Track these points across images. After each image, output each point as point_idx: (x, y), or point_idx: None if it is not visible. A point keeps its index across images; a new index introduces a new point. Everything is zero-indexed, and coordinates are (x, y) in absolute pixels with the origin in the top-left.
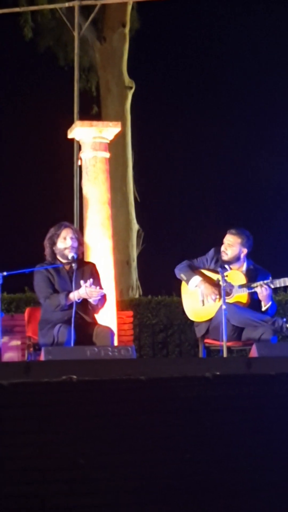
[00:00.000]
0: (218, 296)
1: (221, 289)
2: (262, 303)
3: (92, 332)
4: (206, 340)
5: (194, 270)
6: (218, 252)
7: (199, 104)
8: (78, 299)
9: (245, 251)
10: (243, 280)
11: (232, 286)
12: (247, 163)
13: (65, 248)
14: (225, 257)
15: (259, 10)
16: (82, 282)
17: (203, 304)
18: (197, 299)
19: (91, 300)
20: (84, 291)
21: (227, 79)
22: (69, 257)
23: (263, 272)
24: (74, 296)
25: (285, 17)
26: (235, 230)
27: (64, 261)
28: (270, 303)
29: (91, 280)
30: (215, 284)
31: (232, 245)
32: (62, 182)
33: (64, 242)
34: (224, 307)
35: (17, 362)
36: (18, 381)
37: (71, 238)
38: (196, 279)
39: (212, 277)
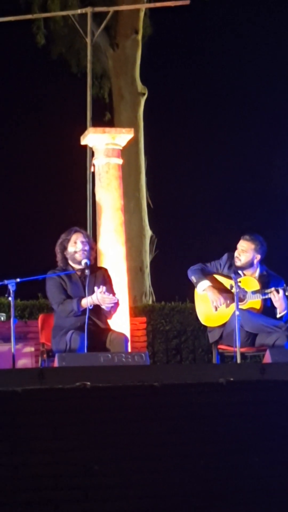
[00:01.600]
0: (223, 302)
1: (234, 295)
2: (278, 310)
3: (105, 338)
4: (219, 346)
5: (206, 274)
6: (231, 258)
7: (212, 110)
8: (91, 305)
9: (258, 257)
10: (256, 286)
11: (246, 292)
12: (260, 169)
13: (76, 252)
14: (238, 262)
15: (275, 16)
16: (95, 288)
17: (216, 310)
18: (210, 305)
19: (103, 306)
20: (96, 297)
21: (240, 85)
22: (82, 263)
23: (277, 278)
24: (87, 302)
25: None
26: (249, 236)
27: (76, 266)
28: (286, 311)
29: (104, 286)
30: (223, 290)
31: (245, 250)
32: (75, 188)
33: (75, 246)
34: (237, 313)
35: (31, 368)
36: (32, 387)
37: (82, 242)
38: (205, 283)
39: (223, 283)
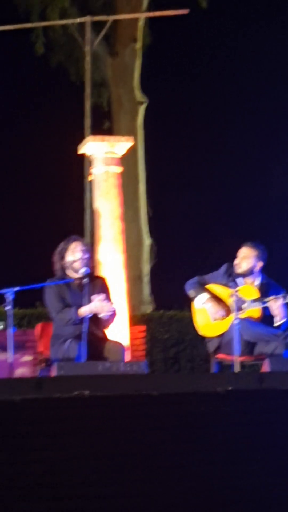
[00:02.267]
0: (222, 317)
1: (233, 304)
2: (277, 318)
3: (102, 347)
4: (218, 355)
5: (203, 287)
6: (230, 267)
7: (211, 118)
8: (89, 314)
9: (260, 264)
10: (256, 294)
11: (244, 301)
12: (261, 178)
13: (74, 261)
14: (239, 270)
15: (274, 23)
16: (93, 297)
17: (214, 320)
18: (208, 316)
19: (101, 315)
20: (95, 306)
21: (240, 93)
22: (80, 272)
23: (276, 287)
24: (85, 310)
25: None
26: (251, 243)
27: (74, 275)
28: (285, 319)
29: (103, 295)
30: (222, 302)
31: (247, 257)
32: (74, 197)
33: (73, 254)
34: (236, 322)
35: (29, 378)
36: (30, 397)
37: (81, 251)
38: (203, 296)
39: (222, 293)
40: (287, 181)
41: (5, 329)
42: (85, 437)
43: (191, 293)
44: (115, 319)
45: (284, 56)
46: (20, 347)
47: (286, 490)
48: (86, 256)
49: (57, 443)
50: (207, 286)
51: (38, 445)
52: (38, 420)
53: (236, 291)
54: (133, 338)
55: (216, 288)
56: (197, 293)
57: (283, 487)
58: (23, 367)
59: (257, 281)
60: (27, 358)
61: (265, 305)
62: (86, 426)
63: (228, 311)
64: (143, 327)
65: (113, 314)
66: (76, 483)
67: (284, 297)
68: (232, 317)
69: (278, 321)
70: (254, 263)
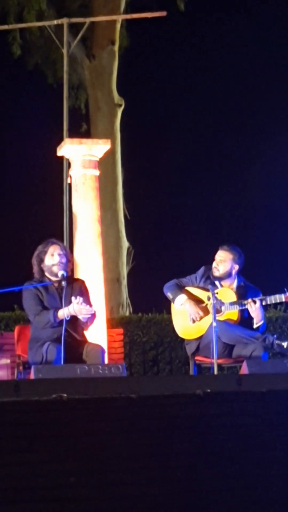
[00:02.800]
0: (202, 316)
1: (211, 307)
2: (254, 320)
3: (82, 350)
4: (196, 358)
5: (182, 289)
6: (208, 270)
7: (189, 121)
8: (68, 316)
9: (236, 267)
10: (233, 297)
11: (223, 303)
12: (238, 180)
13: (53, 265)
14: (216, 273)
15: (250, 26)
16: (73, 298)
17: (193, 322)
18: (187, 317)
19: (80, 317)
20: (73, 308)
21: (217, 96)
22: (59, 275)
23: (254, 289)
24: (64, 313)
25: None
26: (227, 246)
27: (52, 278)
28: (262, 321)
29: (81, 298)
30: (201, 303)
31: (224, 260)
32: (52, 199)
33: (52, 258)
34: (214, 324)
35: (7, 380)
36: (7, 399)
37: (59, 254)
38: (182, 298)
39: (200, 295)
40: (264, 184)
41: None
42: (63, 440)
43: (169, 295)
44: (94, 321)
45: (263, 57)
46: None
47: (265, 491)
48: (64, 259)
49: (35, 446)
50: (185, 288)
51: (16, 448)
52: (16, 423)
53: (214, 293)
54: (111, 341)
55: (194, 290)
56: (176, 295)
57: (262, 488)
58: (1, 370)
59: (235, 283)
60: (5, 361)
61: (243, 307)
62: (64, 429)
63: (206, 313)
64: (121, 330)
65: (92, 316)
66: (54, 485)
67: (262, 300)
68: (211, 319)
69: (256, 323)
70: (230, 266)
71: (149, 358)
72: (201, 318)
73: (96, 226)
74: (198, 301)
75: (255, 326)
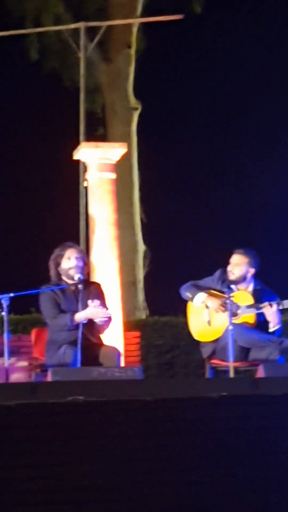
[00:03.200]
0: (225, 309)
1: (228, 310)
2: (271, 324)
3: (98, 353)
4: (212, 361)
5: (200, 289)
6: (224, 273)
7: (205, 124)
8: (85, 320)
9: (252, 271)
10: (250, 300)
11: (239, 307)
12: (256, 183)
13: (70, 268)
14: (232, 276)
15: (269, 29)
16: (89, 302)
17: (209, 325)
18: (203, 320)
19: (96, 321)
20: (90, 311)
21: (233, 99)
22: (75, 278)
23: (270, 293)
24: (80, 316)
25: None
26: (242, 250)
27: (69, 281)
28: (279, 325)
29: (98, 301)
30: (221, 299)
31: (239, 264)
32: (68, 203)
33: (69, 262)
34: (230, 327)
35: (24, 383)
36: (24, 402)
37: (76, 258)
38: (202, 295)
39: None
40: (282, 188)
41: (0, 334)
42: (80, 443)
43: (188, 295)
44: (110, 324)
45: (280, 61)
46: (15, 352)
47: (281, 495)
48: (81, 263)
49: (51, 448)
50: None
51: (33, 450)
52: (33, 425)
53: (230, 297)
54: (127, 344)
55: (211, 292)
56: (195, 293)
57: (277, 492)
58: (18, 372)
59: (251, 287)
60: (22, 363)
61: (259, 311)
62: (80, 431)
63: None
64: (137, 333)
65: (109, 320)
66: (70, 488)
67: (278, 303)
68: (227, 322)
69: (272, 327)
70: (246, 270)
71: (165, 361)
72: (225, 310)
73: (112, 229)
74: (218, 297)
75: (271, 329)
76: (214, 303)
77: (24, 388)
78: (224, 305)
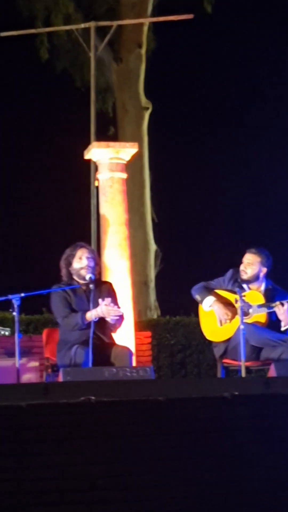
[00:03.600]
0: (230, 317)
1: (239, 309)
2: (282, 323)
3: (110, 352)
4: (224, 360)
5: (210, 291)
6: (236, 273)
7: (216, 123)
8: (96, 318)
9: (264, 270)
10: (261, 300)
11: (250, 306)
12: (266, 183)
13: (81, 268)
14: (244, 276)
15: (279, 28)
16: (100, 300)
17: (221, 324)
18: (215, 319)
19: (108, 319)
20: (101, 309)
21: (245, 99)
22: (87, 278)
23: (282, 293)
24: (92, 314)
25: None
26: (255, 249)
27: (80, 281)
28: None
29: (109, 298)
30: (229, 305)
31: (251, 263)
32: (79, 203)
33: (80, 262)
34: (242, 327)
35: (36, 383)
36: (36, 402)
37: (87, 258)
38: (210, 299)
39: (228, 298)
40: None
41: (11, 335)
42: (91, 443)
43: (197, 297)
44: (122, 323)
45: None
46: (26, 352)
47: None
48: (92, 263)
49: (63, 449)
50: (214, 291)
51: (44, 450)
52: (44, 425)
53: (242, 296)
54: (139, 344)
55: (222, 293)
56: (204, 297)
57: None
58: (30, 372)
59: (263, 286)
60: (34, 363)
61: (271, 310)
62: (92, 431)
63: (235, 315)
64: (149, 333)
65: (121, 318)
66: (83, 488)
67: None
68: (238, 321)
69: (284, 326)
70: (258, 269)
71: (177, 361)
72: (230, 320)
73: (123, 229)
74: (227, 302)
75: (283, 328)
76: (219, 311)
77: (35, 389)
78: (229, 314)
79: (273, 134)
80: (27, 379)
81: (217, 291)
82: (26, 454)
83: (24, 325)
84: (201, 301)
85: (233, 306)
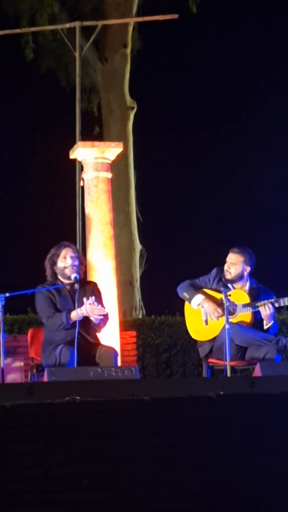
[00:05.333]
0: (221, 314)
1: (224, 308)
2: (264, 322)
3: (95, 352)
4: (209, 360)
5: (197, 289)
6: (220, 272)
7: (201, 123)
8: (81, 318)
9: (248, 269)
10: (246, 299)
11: (236, 305)
12: (250, 182)
13: (65, 267)
14: (228, 276)
15: (263, 28)
16: (85, 299)
17: (207, 324)
18: (201, 319)
19: (92, 319)
20: (86, 309)
21: (229, 98)
22: (72, 277)
23: (266, 291)
24: (77, 314)
25: None
26: (238, 248)
27: (65, 281)
28: (272, 322)
29: (93, 297)
30: (218, 303)
31: (235, 263)
32: (64, 202)
33: (64, 261)
34: (227, 326)
35: (20, 383)
36: (21, 402)
37: (72, 257)
38: (199, 297)
39: (215, 296)
40: (276, 185)
41: None
42: (77, 443)
43: (185, 295)
44: (107, 323)
45: (276, 60)
46: (11, 353)
47: (278, 493)
48: (77, 262)
49: (48, 449)
50: (201, 289)
51: (29, 450)
52: (29, 425)
53: (227, 295)
54: (124, 344)
55: (209, 292)
56: (192, 295)
57: (275, 491)
58: (14, 372)
59: (247, 285)
60: (18, 364)
61: (255, 309)
62: (77, 431)
63: (223, 313)
64: (134, 333)
65: (105, 318)
66: (68, 488)
67: (275, 301)
68: (224, 321)
69: (266, 324)
70: (242, 268)
71: (162, 361)
72: (220, 316)
73: (108, 228)
74: (215, 300)
75: (265, 327)
76: (209, 308)
77: (20, 389)
78: (219, 311)
79: (258, 134)
80: (11, 379)
81: (203, 289)
82: (10, 454)
83: (8, 325)
84: (190, 300)
85: (221, 305)
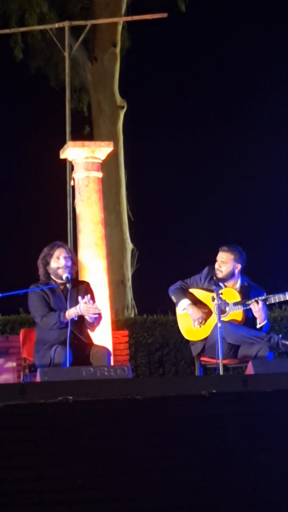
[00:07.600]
0: (204, 320)
1: (216, 308)
2: (258, 320)
3: (89, 352)
4: (202, 358)
5: (185, 292)
6: (212, 270)
7: (192, 122)
8: (76, 317)
9: (239, 266)
10: (237, 297)
11: (227, 304)
12: (241, 181)
13: (59, 268)
14: (219, 274)
15: (252, 27)
16: (80, 298)
17: (196, 326)
18: (191, 319)
19: (87, 317)
20: (80, 307)
21: (219, 96)
22: (64, 278)
23: (257, 289)
24: (71, 313)
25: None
26: (227, 246)
27: (58, 280)
28: (265, 321)
29: (88, 296)
30: (204, 306)
31: (225, 262)
32: (55, 202)
33: (58, 261)
34: (219, 325)
35: (13, 384)
36: (13, 403)
37: (65, 258)
38: (185, 302)
39: (204, 297)
40: (266, 184)
41: None
42: (70, 443)
43: (173, 298)
44: (100, 322)
45: (265, 58)
46: (3, 353)
47: (272, 492)
48: (70, 262)
49: (41, 449)
50: (189, 291)
51: (22, 451)
52: (22, 426)
53: (219, 294)
54: (116, 343)
55: (198, 292)
56: (179, 299)
57: (268, 489)
58: (7, 373)
59: (238, 283)
60: (11, 364)
61: (246, 307)
62: (70, 431)
63: (210, 314)
64: (126, 332)
65: (99, 317)
66: (61, 488)
67: (266, 299)
68: (215, 320)
69: (259, 323)
70: (233, 266)
71: (154, 360)
72: (204, 322)
73: (99, 228)
74: (202, 303)
75: (258, 326)
76: (194, 314)
77: (12, 389)
78: (201, 319)
79: (248, 133)
80: (4, 379)
81: (193, 290)
82: (3, 455)
83: (1, 326)
84: (176, 303)
85: (207, 310)
